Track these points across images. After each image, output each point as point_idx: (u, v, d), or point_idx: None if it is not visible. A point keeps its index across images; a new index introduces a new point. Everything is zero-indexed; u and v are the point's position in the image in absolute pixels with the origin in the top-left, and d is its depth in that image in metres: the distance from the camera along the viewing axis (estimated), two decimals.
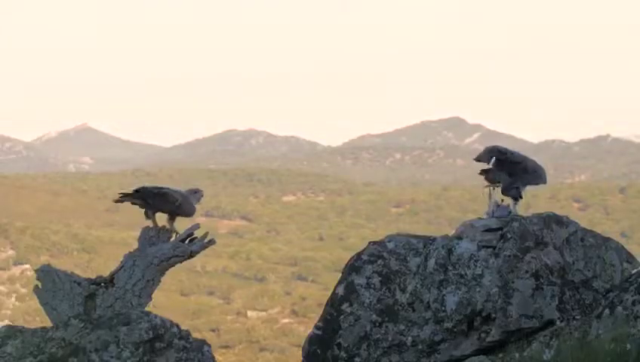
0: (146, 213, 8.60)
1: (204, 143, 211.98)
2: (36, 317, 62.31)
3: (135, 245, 8.57)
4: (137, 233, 8.65)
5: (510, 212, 8.26)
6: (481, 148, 8.59)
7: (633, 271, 7.94)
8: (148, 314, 7.34)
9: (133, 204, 8.69)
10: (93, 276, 8.55)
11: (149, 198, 8.55)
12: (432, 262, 8.06)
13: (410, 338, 7.94)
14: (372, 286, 8.11)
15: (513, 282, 7.81)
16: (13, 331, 7.41)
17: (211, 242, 8.55)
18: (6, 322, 58.14)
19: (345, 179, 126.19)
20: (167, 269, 8.45)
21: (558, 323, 7.70)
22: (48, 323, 8.04)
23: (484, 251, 7.97)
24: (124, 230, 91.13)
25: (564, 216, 8.31)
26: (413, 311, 8.00)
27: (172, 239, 8.54)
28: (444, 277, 7.98)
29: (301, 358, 8.19)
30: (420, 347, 7.91)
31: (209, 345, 7.57)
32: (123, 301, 8.20)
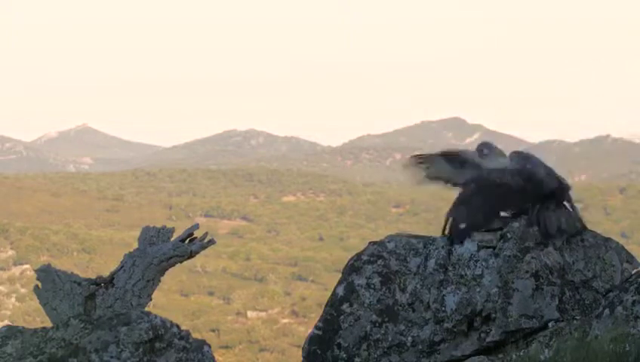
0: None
1: (204, 143, 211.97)
2: (36, 317, 62.36)
3: (135, 245, 8.57)
4: (137, 233, 8.66)
5: None
6: None
7: (633, 272, 7.93)
8: (148, 314, 7.34)
9: None
10: (93, 276, 8.55)
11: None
12: (432, 263, 8.06)
13: (410, 338, 7.95)
14: (372, 286, 8.11)
15: (513, 282, 7.81)
16: (13, 331, 7.40)
17: (211, 242, 8.55)
18: (6, 322, 58.13)
19: (345, 180, 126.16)
20: (167, 269, 8.45)
21: (551, 325, 7.70)
22: (48, 323, 8.04)
23: (484, 251, 7.98)
24: (124, 230, 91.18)
25: None
26: (413, 311, 8.00)
27: None
28: (444, 277, 7.98)
29: (301, 358, 8.19)
30: (420, 347, 7.91)
31: (209, 345, 7.57)
32: (123, 301, 8.20)
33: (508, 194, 8.01)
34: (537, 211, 8.00)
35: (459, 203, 8.01)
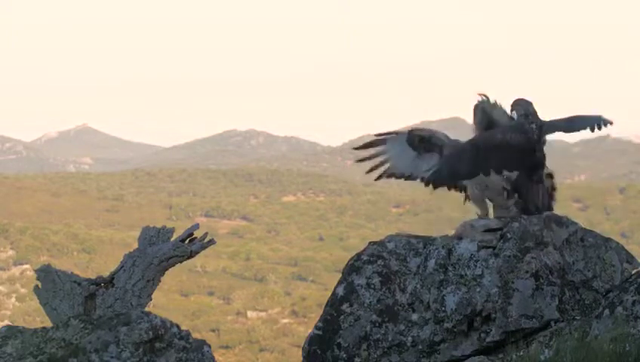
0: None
1: (204, 143, 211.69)
2: (36, 317, 62.34)
3: (135, 245, 8.57)
4: (137, 233, 8.65)
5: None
6: None
7: (633, 272, 7.94)
8: (148, 314, 7.33)
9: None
10: (93, 276, 8.55)
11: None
12: (432, 263, 8.07)
13: (410, 338, 7.95)
14: (372, 286, 8.11)
15: (513, 282, 7.82)
16: (13, 331, 7.40)
17: (211, 242, 8.55)
18: (6, 322, 58.13)
19: (345, 179, 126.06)
20: (167, 269, 8.45)
21: (552, 325, 7.70)
22: (48, 323, 8.04)
23: (484, 251, 7.98)
24: (124, 230, 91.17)
25: (564, 216, 8.31)
26: (413, 311, 8.00)
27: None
28: (444, 277, 7.98)
29: (301, 358, 8.19)
30: (420, 347, 7.91)
31: (209, 345, 7.57)
32: (123, 301, 8.20)
33: (507, 154, 8.02)
34: (524, 185, 8.09)
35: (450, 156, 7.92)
